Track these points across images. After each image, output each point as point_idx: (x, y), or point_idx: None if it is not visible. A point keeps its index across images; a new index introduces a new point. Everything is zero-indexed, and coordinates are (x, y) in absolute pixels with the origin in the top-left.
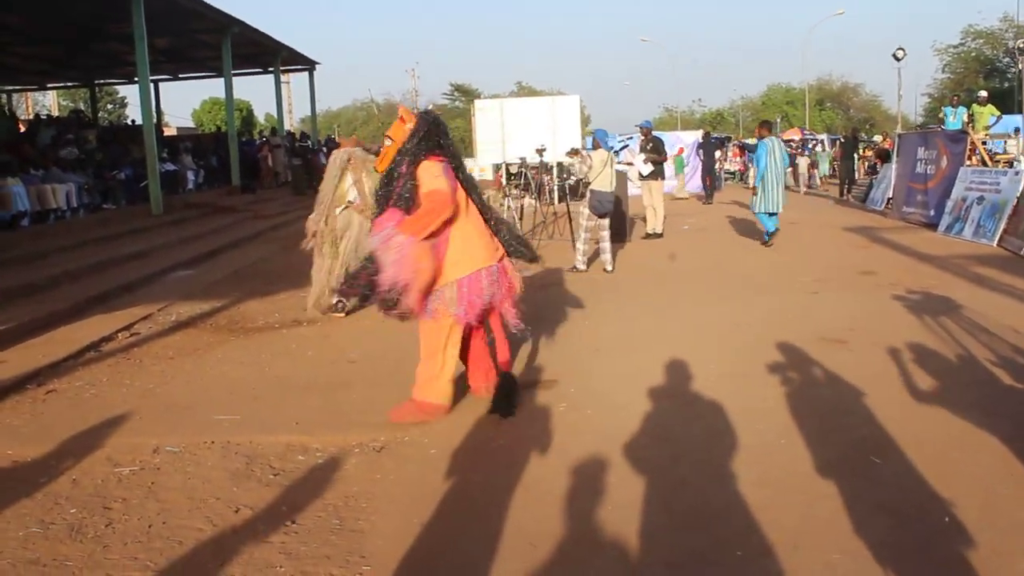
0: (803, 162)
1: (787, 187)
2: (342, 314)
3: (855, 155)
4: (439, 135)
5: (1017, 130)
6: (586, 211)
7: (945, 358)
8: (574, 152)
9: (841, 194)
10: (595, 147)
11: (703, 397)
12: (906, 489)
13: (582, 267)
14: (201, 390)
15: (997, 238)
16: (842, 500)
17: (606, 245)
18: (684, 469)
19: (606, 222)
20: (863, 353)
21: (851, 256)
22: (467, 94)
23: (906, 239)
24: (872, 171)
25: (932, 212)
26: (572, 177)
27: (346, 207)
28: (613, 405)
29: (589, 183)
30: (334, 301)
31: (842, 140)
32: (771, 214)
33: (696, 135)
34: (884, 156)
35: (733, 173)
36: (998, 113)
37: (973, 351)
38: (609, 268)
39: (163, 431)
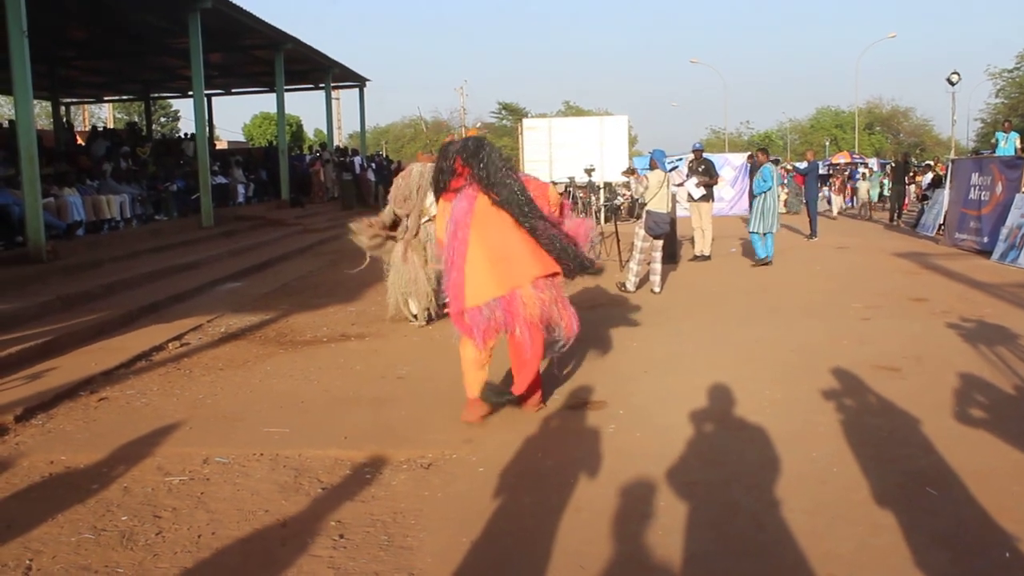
0: (849, 184)
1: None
2: (423, 323)
3: (906, 180)
4: (452, 166)
5: None
6: (641, 232)
7: (1002, 389)
8: (630, 172)
9: (891, 219)
10: (652, 167)
11: (753, 422)
12: (965, 522)
13: (631, 288)
14: (250, 402)
15: None
16: (899, 532)
17: (657, 267)
18: (736, 494)
19: (659, 243)
20: (917, 382)
21: (902, 282)
22: (514, 113)
23: (959, 266)
24: (924, 197)
25: (986, 239)
26: (619, 197)
27: (429, 220)
28: (662, 427)
29: (645, 204)
30: (413, 310)
31: (893, 165)
32: (764, 234)
33: (743, 157)
34: (936, 182)
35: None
36: None
37: None
38: (657, 289)
39: (212, 442)
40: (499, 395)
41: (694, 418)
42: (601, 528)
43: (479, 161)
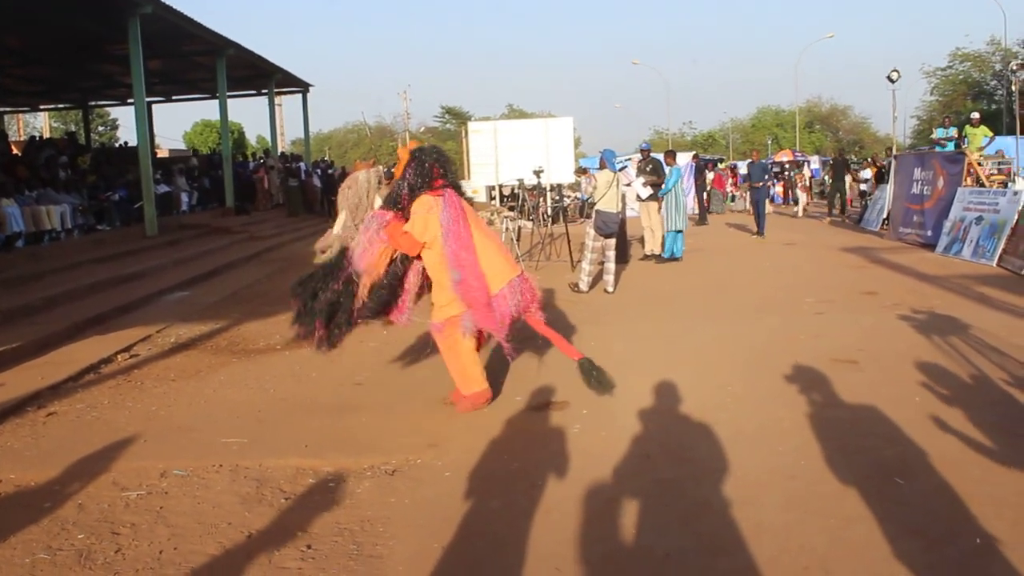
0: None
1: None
2: None
3: (845, 177)
4: (431, 169)
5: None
6: (592, 231)
7: (958, 378)
8: (582, 171)
9: (830, 213)
10: (601, 167)
11: (720, 418)
12: (934, 511)
13: (584, 288)
14: (205, 413)
15: (997, 258)
16: (871, 523)
17: (610, 266)
18: (707, 491)
19: (612, 243)
20: (875, 374)
21: (851, 276)
22: (458, 116)
23: (905, 259)
24: (863, 193)
25: (929, 232)
26: (567, 199)
27: None
28: (627, 426)
29: (594, 203)
30: None
31: (831, 162)
32: (677, 231)
33: (687, 157)
34: (878, 178)
35: (731, 196)
36: (991, 134)
37: (985, 371)
38: (610, 289)
39: (169, 454)
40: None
41: (658, 416)
42: (573, 529)
43: (451, 166)
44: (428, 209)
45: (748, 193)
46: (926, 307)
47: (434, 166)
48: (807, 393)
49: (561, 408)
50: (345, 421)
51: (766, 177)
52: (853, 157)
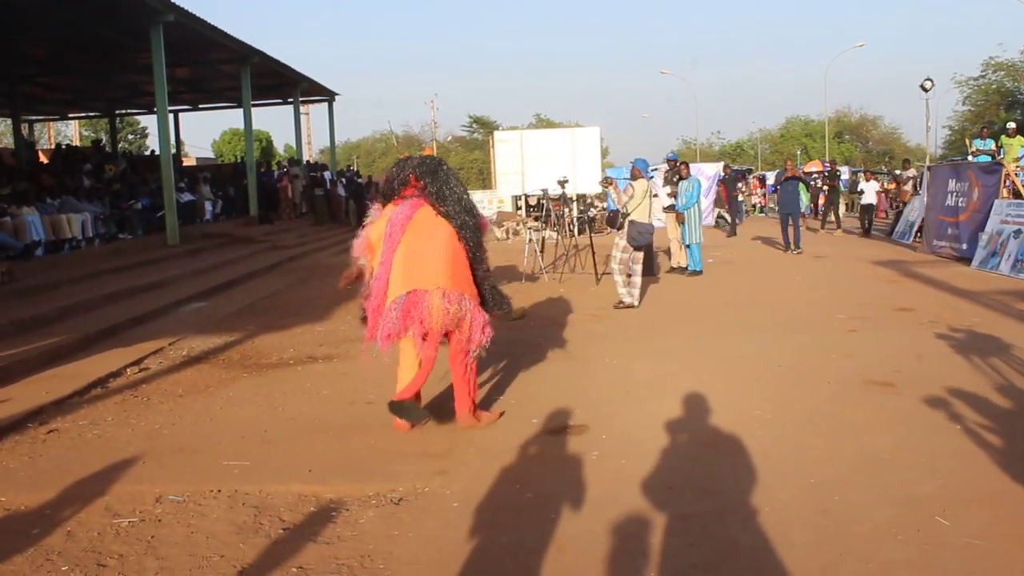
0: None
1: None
2: None
3: (839, 189)
4: (405, 178)
5: None
6: (622, 242)
7: (1003, 404)
8: (607, 182)
9: (823, 226)
10: (635, 177)
11: (746, 445)
12: (984, 554)
13: (628, 300)
14: (210, 432)
15: None
16: (911, 570)
17: (637, 279)
18: (734, 528)
19: (640, 255)
20: (913, 398)
21: (885, 291)
22: (485, 126)
23: (940, 274)
24: (866, 208)
25: (964, 246)
26: (592, 209)
27: None
28: (649, 453)
29: (628, 214)
30: None
31: (827, 175)
32: (689, 246)
33: (716, 167)
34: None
35: (754, 205)
36: None
37: None
38: (636, 303)
39: (167, 477)
40: (408, 411)
41: (681, 442)
42: (588, 571)
43: (435, 176)
44: (381, 217)
45: (779, 206)
46: (964, 325)
47: (411, 176)
48: (840, 418)
49: (579, 432)
50: (353, 443)
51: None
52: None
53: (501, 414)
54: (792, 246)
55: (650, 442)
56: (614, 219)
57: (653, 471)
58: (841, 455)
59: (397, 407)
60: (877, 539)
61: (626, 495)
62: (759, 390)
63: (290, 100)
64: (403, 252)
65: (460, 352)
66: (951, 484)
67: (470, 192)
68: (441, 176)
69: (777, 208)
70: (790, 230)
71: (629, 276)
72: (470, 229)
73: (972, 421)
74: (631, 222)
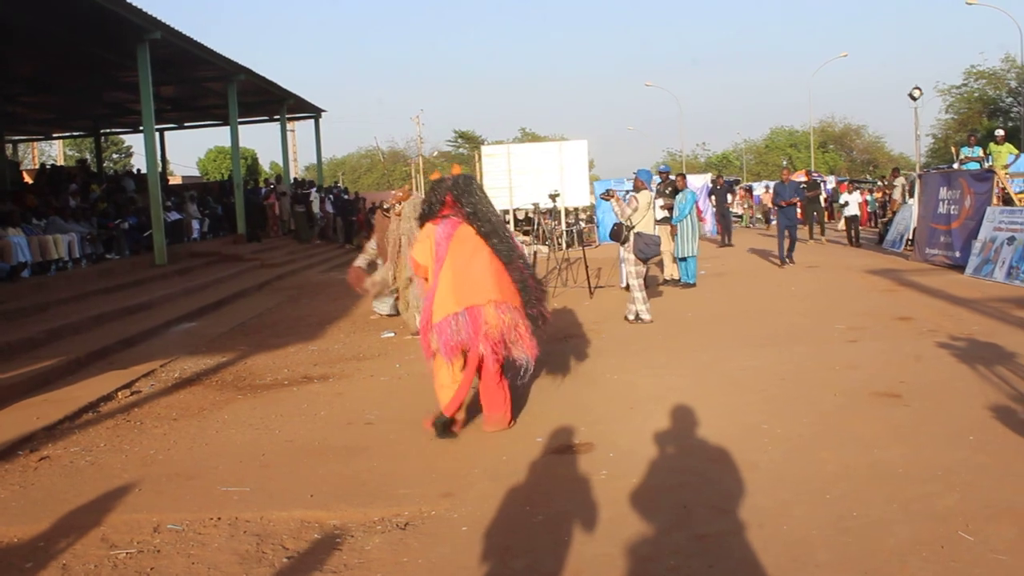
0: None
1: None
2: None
3: (819, 199)
4: (442, 199)
5: None
6: (631, 256)
7: (1013, 412)
8: (609, 195)
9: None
10: (638, 188)
11: (759, 462)
12: (1012, 573)
13: (647, 316)
14: (206, 456)
15: None
16: None
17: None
18: (753, 548)
19: (643, 269)
20: (922, 409)
21: (881, 300)
22: (471, 141)
23: (935, 282)
24: (850, 219)
25: (958, 253)
26: (581, 223)
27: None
28: (658, 470)
29: (632, 227)
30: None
31: (806, 184)
32: (683, 259)
33: (704, 179)
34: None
35: (740, 216)
36: (1016, 151)
37: None
38: (632, 317)
39: (165, 506)
40: (445, 430)
41: (691, 460)
42: None
43: (470, 196)
44: (426, 237)
45: (777, 217)
46: (965, 333)
47: (447, 194)
48: (850, 432)
49: (585, 451)
50: (354, 465)
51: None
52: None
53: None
54: (787, 258)
55: (659, 459)
56: (619, 232)
57: (664, 489)
58: (854, 469)
59: (443, 420)
60: (902, 557)
61: (639, 515)
62: (764, 404)
63: (276, 117)
64: (450, 270)
65: (486, 362)
66: (970, 498)
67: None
68: (475, 194)
69: (776, 220)
70: (786, 242)
71: (627, 289)
72: (503, 245)
73: (984, 432)
74: (637, 234)
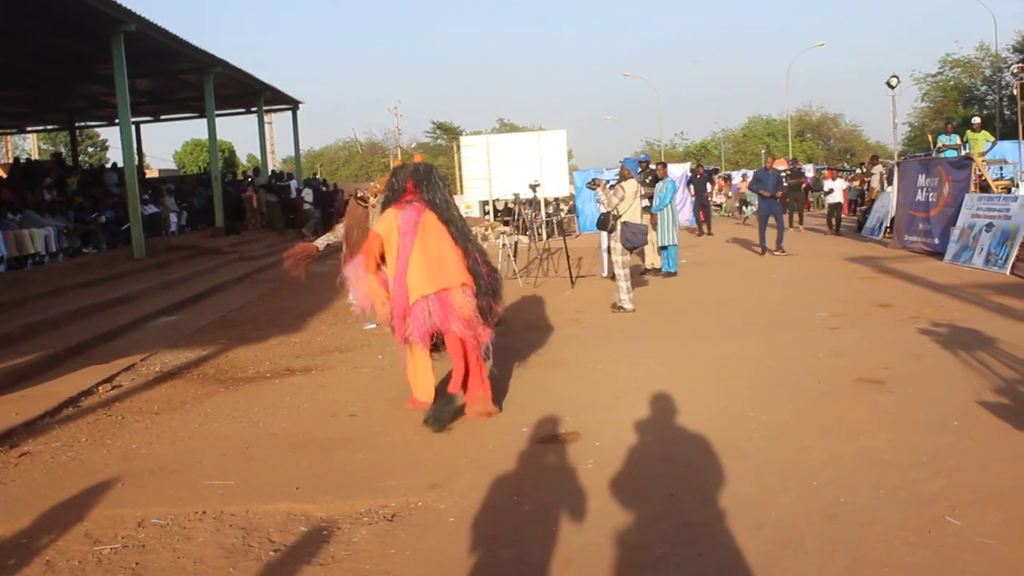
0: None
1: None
2: None
3: (801, 188)
4: (403, 185)
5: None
6: (618, 246)
7: (995, 397)
8: (595, 184)
9: (791, 224)
10: (624, 177)
11: (746, 449)
12: (1000, 555)
13: (630, 307)
14: (189, 450)
15: (1010, 266)
16: (928, 572)
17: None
18: (741, 535)
19: (628, 258)
20: (905, 394)
21: (862, 288)
22: (449, 132)
23: (914, 269)
24: (832, 207)
25: (937, 240)
26: (561, 213)
27: None
28: (645, 459)
29: (619, 216)
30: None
31: (789, 172)
32: (664, 248)
33: (684, 168)
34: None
35: (720, 205)
36: (993, 139)
37: (1022, 389)
38: (619, 306)
39: (148, 500)
40: (440, 419)
41: (678, 448)
42: None
43: (430, 183)
44: (389, 218)
45: (757, 204)
46: (946, 319)
47: (408, 181)
48: (835, 418)
49: (572, 440)
50: (339, 457)
51: (781, 187)
52: (846, 165)
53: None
54: (775, 247)
55: (645, 448)
56: (605, 222)
57: (652, 478)
58: (841, 456)
59: (449, 399)
60: (889, 542)
61: (626, 504)
62: (749, 391)
63: (253, 109)
64: (421, 254)
65: (467, 343)
66: (956, 482)
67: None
68: (434, 182)
69: (757, 210)
70: (770, 231)
71: (612, 278)
72: (460, 232)
73: (967, 417)
74: (624, 224)
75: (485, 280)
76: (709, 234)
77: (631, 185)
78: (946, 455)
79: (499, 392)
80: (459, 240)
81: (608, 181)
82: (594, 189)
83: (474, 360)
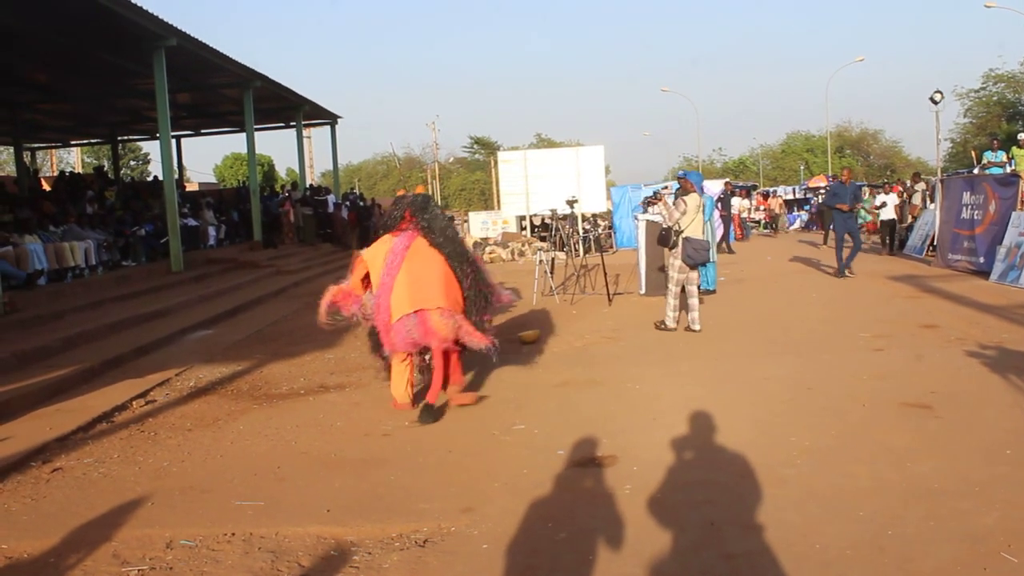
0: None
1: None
2: None
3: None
4: (401, 214)
5: None
6: (677, 262)
7: None
8: (657, 198)
9: (824, 241)
10: (686, 191)
11: (788, 476)
12: None
13: (672, 324)
14: (221, 469)
15: None
16: None
17: (694, 301)
18: (785, 569)
19: (696, 275)
20: (954, 420)
21: (906, 307)
22: (486, 147)
23: (959, 288)
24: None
25: (981, 259)
26: (598, 229)
27: None
28: (684, 485)
29: (681, 231)
30: None
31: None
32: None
33: (719, 184)
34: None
35: (758, 222)
36: None
37: None
38: (697, 327)
39: (178, 520)
40: (428, 420)
41: (718, 473)
42: None
43: (424, 212)
44: (381, 243)
45: (834, 222)
46: (994, 341)
47: (407, 210)
48: (881, 445)
49: (609, 464)
50: (371, 478)
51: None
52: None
53: (481, 398)
54: (845, 270)
55: (684, 473)
56: (666, 237)
57: (691, 506)
58: (887, 485)
59: (428, 409)
60: None
61: (665, 533)
62: (791, 415)
63: (292, 124)
64: (406, 276)
65: (446, 348)
66: (1010, 516)
67: (475, 213)
68: (430, 212)
69: (833, 226)
70: (846, 250)
71: (682, 297)
72: (455, 255)
73: (1021, 446)
74: (686, 239)
75: (475, 303)
76: (729, 252)
77: (693, 199)
78: (999, 485)
79: (535, 413)
80: (454, 263)
81: (660, 195)
82: (654, 204)
83: (454, 362)
